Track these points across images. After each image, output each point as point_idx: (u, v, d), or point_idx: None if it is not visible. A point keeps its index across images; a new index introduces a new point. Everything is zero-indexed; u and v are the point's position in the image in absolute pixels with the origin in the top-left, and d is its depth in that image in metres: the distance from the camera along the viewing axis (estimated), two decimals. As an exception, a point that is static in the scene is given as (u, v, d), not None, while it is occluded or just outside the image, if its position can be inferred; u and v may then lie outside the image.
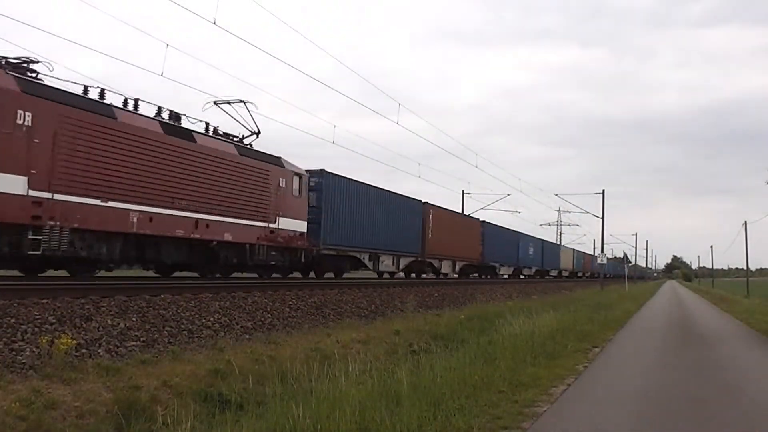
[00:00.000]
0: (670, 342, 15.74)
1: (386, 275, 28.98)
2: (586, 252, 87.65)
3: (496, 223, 45.11)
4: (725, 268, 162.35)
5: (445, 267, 34.80)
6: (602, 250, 49.44)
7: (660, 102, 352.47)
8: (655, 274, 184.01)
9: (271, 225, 18.86)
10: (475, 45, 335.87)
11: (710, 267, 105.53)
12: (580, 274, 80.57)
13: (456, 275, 36.75)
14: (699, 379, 9.88)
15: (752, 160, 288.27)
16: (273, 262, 19.58)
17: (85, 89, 13.71)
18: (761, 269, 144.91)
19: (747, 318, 23.32)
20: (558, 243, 69.14)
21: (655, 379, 9.88)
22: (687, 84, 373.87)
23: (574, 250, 78.87)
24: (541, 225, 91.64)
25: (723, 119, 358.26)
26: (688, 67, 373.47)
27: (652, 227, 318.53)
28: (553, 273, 65.17)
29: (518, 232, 51.04)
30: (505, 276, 47.00)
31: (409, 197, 30.31)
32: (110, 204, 13.38)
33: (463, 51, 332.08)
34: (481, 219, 42.94)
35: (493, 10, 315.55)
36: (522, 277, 52.27)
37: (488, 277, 43.12)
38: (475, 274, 42.03)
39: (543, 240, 60.52)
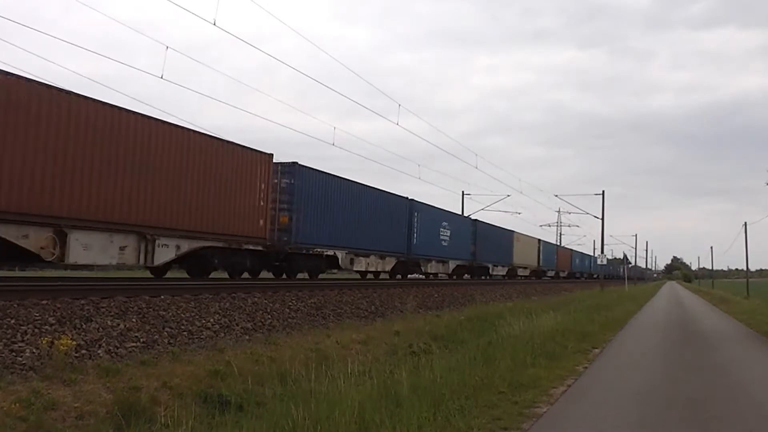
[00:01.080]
0: (670, 343, 15.73)
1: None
2: (562, 245, 71.56)
3: (327, 172, 22.43)
4: (725, 269, 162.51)
5: (97, 249, 13.63)
6: (602, 251, 49.50)
7: (658, 103, 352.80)
8: (655, 275, 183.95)
9: None
10: (473, 46, 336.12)
11: (710, 268, 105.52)
12: (551, 274, 61.55)
13: (175, 264, 17.27)
14: (699, 381, 9.88)
15: (751, 161, 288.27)
16: None
17: None
18: (761, 270, 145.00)
19: (747, 319, 23.32)
20: (510, 229, 47.20)
21: (654, 380, 9.88)
22: (685, 85, 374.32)
23: (540, 240, 56.96)
24: (540, 226, 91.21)
25: (721, 120, 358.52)
26: (685, 68, 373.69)
27: (652, 228, 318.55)
28: (500, 272, 43.58)
29: (410, 199, 29.22)
30: (366, 275, 27.10)
31: None
32: None
33: (461, 52, 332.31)
34: (283, 160, 20.25)
35: (490, 11, 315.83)
36: (433, 276, 32.78)
37: (293, 276, 21.63)
38: (269, 274, 21.69)
39: (476, 220, 38.93)
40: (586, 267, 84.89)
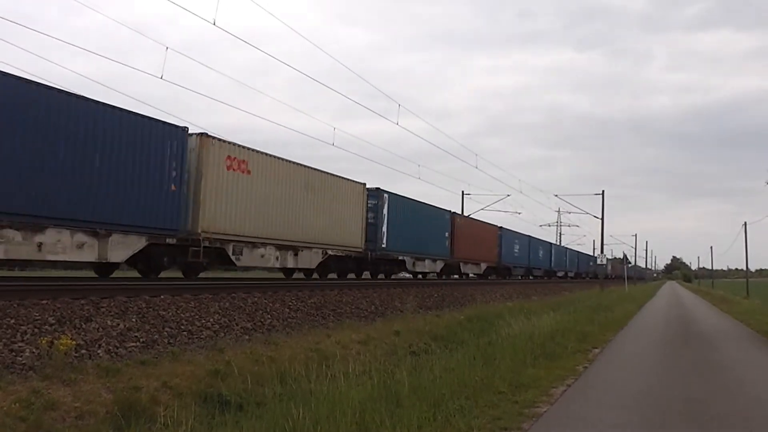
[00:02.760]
0: (670, 343, 15.73)
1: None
2: (473, 217, 41.82)
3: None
4: (725, 268, 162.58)
5: None
6: (602, 251, 49.45)
7: (656, 104, 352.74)
8: (655, 275, 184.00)
9: None
10: (472, 47, 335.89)
11: (710, 268, 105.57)
12: (433, 267, 31.68)
13: None
14: (699, 380, 9.88)
15: (749, 162, 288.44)
16: None
17: None
18: (761, 270, 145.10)
19: (747, 319, 23.31)
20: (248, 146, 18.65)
21: (654, 380, 9.87)
22: (682, 86, 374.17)
23: (385, 193, 27.00)
24: (540, 226, 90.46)
25: (719, 121, 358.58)
26: (683, 69, 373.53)
27: (652, 228, 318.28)
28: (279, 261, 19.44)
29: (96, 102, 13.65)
30: None
31: None
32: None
33: (459, 53, 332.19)
34: None
35: (488, 12, 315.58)
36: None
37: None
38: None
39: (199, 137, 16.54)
40: (541, 261, 57.09)
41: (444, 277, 34.14)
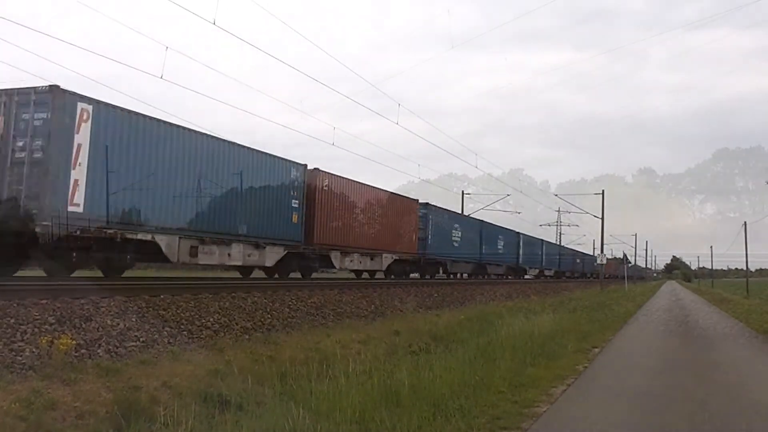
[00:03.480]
0: (670, 342, 15.75)
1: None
2: (366, 183, 25.08)
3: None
4: (725, 268, 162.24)
5: None
6: (602, 251, 49.44)
7: (654, 104, 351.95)
8: (655, 275, 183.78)
9: None
10: (471, 47, 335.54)
11: (710, 267, 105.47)
12: (239, 266, 19.09)
13: None
14: (698, 379, 9.88)
15: (749, 161, 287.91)
16: None
17: None
18: (761, 269, 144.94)
19: (746, 318, 23.33)
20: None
21: (655, 379, 9.88)
22: (680, 86, 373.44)
23: (145, 118, 14.60)
24: (540, 225, 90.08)
25: (717, 120, 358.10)
26: (681, 69, 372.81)
27: (652, 228, 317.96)
28: None
29: None
30: None
31: None
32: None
33: (458, 53, 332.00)
34: None
35: (487, 12, 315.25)
36: None
37: None
38: None
39: None
40: (503, 255, 43.82)
41: (298, 274, 21.58)
